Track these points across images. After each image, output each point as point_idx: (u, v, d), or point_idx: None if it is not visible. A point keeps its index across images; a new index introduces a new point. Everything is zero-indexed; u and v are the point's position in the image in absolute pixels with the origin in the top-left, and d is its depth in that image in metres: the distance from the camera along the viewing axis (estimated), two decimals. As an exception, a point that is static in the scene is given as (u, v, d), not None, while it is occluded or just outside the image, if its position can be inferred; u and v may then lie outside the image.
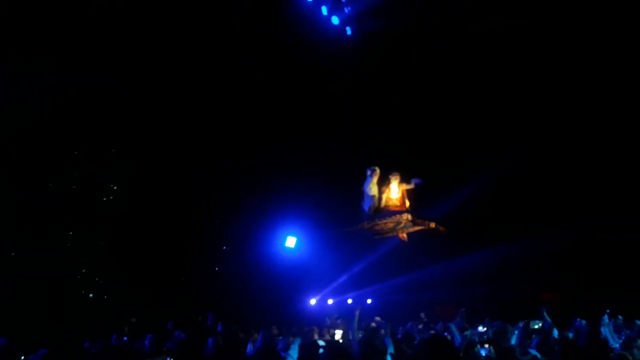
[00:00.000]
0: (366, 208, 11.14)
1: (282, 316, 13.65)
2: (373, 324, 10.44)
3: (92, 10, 10.27)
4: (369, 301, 18.31)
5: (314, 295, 16.72)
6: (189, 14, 11.05)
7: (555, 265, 16.67)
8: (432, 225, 11.30)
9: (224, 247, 16.14)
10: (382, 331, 9.38)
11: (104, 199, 13.44)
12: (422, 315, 12.99)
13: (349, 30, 12.74)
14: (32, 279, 11.01)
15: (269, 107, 13.15)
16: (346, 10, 12.32)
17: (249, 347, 7.52)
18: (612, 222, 14.91)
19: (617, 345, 6.57)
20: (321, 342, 7.01)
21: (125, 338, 8.84)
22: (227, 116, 12.78)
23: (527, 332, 8.60)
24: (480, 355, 6.95)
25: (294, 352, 6.52)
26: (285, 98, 13.11)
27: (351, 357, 5.18)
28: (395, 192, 11.17)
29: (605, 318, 8.39)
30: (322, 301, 17.09)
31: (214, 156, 13.26)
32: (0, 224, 10.61)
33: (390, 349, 6.34)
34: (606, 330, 7.99)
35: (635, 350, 5.98)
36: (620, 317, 9.62)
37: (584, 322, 10.09)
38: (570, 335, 8.37)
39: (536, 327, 10.00)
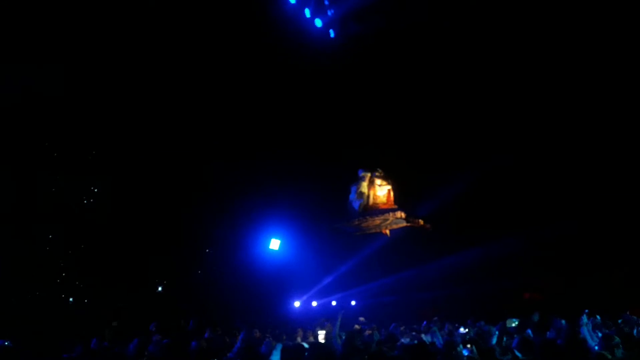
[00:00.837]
0: (356, 207, 11.38)
1: (266, 319, 13.60)
2: (357, 326, 10.48)
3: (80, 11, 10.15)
4: (352, 303, 18.36)
5: (298, 298, 16.70)
6: (171, 15, 10.96)
7: (537, 265, 16.88)
8: (421, 222, 11.52)
9: (207, 250, 16.03)
10: (367, 332, 9.43)
11: (85, 201, 13.26)
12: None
13: (332, 33, 12.77)
14: (11, 282, 10.82)
15: (251, 109, 13.11)
16: (329, 12, 12.35)
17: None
18: (593, 223, 15.16)
19: (596, 346, 6.68)
20: (305, 345, 7.00)
21: (105, 343, 8.71)
22: (208, 119, 12.71)
23: (504, 332, 8.72)
24: (462, 355, 7.02)
25: (275, 357, 6.50)
26: (267, 100, 13.08)
27: (333, 357, 5.21)
28: (380, 190, 11.37)
29: (584, 318, 8.53)
30: (307, 303, 17.08)
31: (196, 159, 13.17)
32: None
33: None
34: (585, 330, 8.12)
35: (615, 349, 6.09)
36: (598, 317, 9.77)
37: (563, 321, 10.26)
38: (550, 335, 8.50)
39: (513, 325, 10.14)
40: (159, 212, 13.35)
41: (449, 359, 6.58)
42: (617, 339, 6.53)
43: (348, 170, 12.68)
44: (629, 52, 12.49)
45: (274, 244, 14.77)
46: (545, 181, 15.70)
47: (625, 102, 13.56)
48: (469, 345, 7.70)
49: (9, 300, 10.62)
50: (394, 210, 11.22)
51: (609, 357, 5.23)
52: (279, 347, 6.75)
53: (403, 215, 11.20)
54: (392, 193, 11.54)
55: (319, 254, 16.18)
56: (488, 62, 13.68)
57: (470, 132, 15.11)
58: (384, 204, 11.42)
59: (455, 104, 14.66)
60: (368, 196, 11.41)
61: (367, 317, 13.32)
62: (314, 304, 17.39)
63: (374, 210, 11.35)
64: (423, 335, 8.87)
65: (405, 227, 11.75)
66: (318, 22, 12.40)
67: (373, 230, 11.94)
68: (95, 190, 13.32)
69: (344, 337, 6.78)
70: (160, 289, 15.17)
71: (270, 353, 6.77)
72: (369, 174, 11.58)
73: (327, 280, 17.16)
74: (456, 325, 11.32)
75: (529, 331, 8.72)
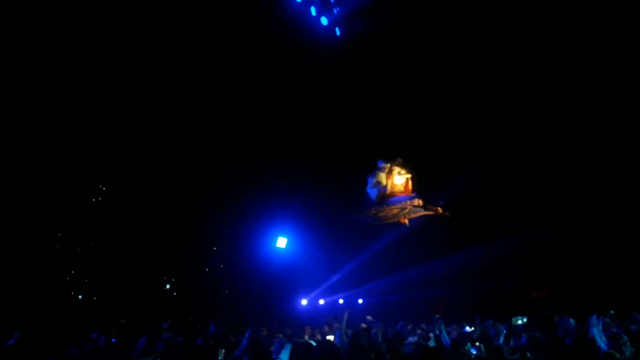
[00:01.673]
0: (373, 197, 11.34)
1: (274, 317, 13.63)
2: (364, 324, 10.47)
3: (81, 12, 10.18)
4: (360, 301, 18.35)
5: (305, 296, 16.72)
6: (175, 14, 10.98)
7: (544, 263, 16.79)
8: (440, 210, 11.39)
9: (214, 249, 16.08)
10: (374, 330, 9.42)
11: (93, 199, 13.35)
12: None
13: (338, 31, 12.74)
14: (21, 281, 10.91)
15: (258, 107, 13.12)
16: (335, 11, 12.32)
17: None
18: (598, 221, 15.06)
19: (604, 346, 6.63)
20: (313, 343, 7.01)
21: (113, 340, 8.78)
22: (216, 117, 12.73)
23: (512, 331, 8.68)
24: (470, 353, 7.01)
25: (284, 356, 6.51)
26: (274, 98, 13.08)
27: (339, 355, 5.22)
28: (398, 178, 11.31)
29: (594, 318, 8.48)
30: (314, 301, 17.10)
31: (204, 158, 13.21)
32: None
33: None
34: (594, 330, 8.07)
35: (624, 348, 6.05)
36: (607, 317, 9.69)
37: (572, 320, 10.20)
38: (559, 334, 8.44)
39: (519, 322, 10.09)
40: (166, 211, 13.41)
41: (457, 358, 6.58)
42: (625, 338, 6.49)
43: (355, 167, 12.67)
44: (628, 51, 12.40)
45: (281, 242, 14.78)
46: (550, 178, 15.60)
47: (625, 102, 13.46)
48: (477, 344, 7.69)
49: (19, 297, 10.71)
50: (411, 198, 11.11)
51: (618, 356, 5.19)
52: (289, 346, 6.77)
53: (421, 202, 11.08)
54: (410, 182, 11.44)
55: (326, 252, 16.17)
56: (488, 61, 13.59)
57: (474, 131, 15.01)
58: (402, 192, 11.33)
59: (457, 104, 14.58)
60: (385, 185, 11.30)
61: (374, 316, 13.31)
62: (321, 302, 17.40)
63: (392, 198, 11.24)
64: (430, 334, 8.85)
65: (422, 217, 11.61)
66: (324, 20, 12.38)
67: (391, 220, 11.83)
68: (104, 189, 13.41)
69: (349, 335, 6.79)
70: (168, 287, 15.25)
71: (279, 351, 6.79)
72: (388, 165, 11.47)
73: (334, 278, 17.17)
74: (463, 323, 11.30)
75: (537, 332, 8.67)
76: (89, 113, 11.54)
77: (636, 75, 12.59)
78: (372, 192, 11.39)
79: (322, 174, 14.66)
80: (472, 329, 10.36)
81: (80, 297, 13.21)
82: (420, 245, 16.16)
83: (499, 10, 12.30)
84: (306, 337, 9.57)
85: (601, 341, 7.22)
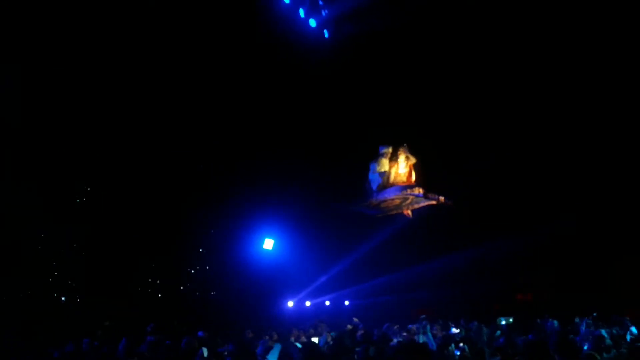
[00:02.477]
0: (374, 186, 11.10)
1: (259, 319, 13.58)
2: (349, 326, 10.48)
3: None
4: (346, 303, 18.36)
5: (291, 298, 16.69)
6: (167, 16, 10.92)
7: (529, 266, 16.93)
8: (442, 199, 11.18)
9: (200, 250, 16.00)
10: (360, 332, 9.43)
11: (77, 200, 13.21)
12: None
13: (326, 33, 12.76)
14: (2, 282, 10.76)
15: (246, 108, 13.09)
16: (323, 13, 12.33)
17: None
18: (585, 223, 15.20)
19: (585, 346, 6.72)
20: (297, 345, 7.00)
21: (96, 342, 8.67)
22: (202, 119, 12.68)
23: (494, 332, 8.76)
24: (454, 355, 7.05)
25: (273, 357, 6.49)
26: (262, 100, 13.06)
27: (323, 356, 5.24)
28: (402, 166, 11.14)
29: (583, 324, 8.62)
30: (300, 303, 17.07)
31: (189, 159, 13.14)
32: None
33: None
34: (582, 329, 8.19)
35: (604, 352, 6.12)
36: (589, 320, 9.81)
37: (555, 322, 10.31)
38: (540, 335, 8.52)
39: (502, 323, 10.15)
40: (152, 212, 13.31)
41: (441, 359, 6.61)
42: (609, 341, 6.58)
43: (346, 166, 12.60)
44: (628, 51, 12.50)
45: (268, 243, 14.75)
46: (538, 181, 15.71)
47: (625, 102, 13.57)
48: (461, 344, 7.74)
49: (0, 299, 10.57)
50: (412, 187, 10.89)
51: (598, 358, 5.25)
52: (277, 347, 6.75)
53: (421, 190, 10.83)
54: (413, 172, 11.19)
55: (313, 254, 16.15)
56: (489, 61, 13.62)
57: (463, 134, 15.08)
58: (404, 182, 11.04)
59: (445, 108, 14.64)
60: (389, 174, 11.06)
61: (360, 317, 13.32)
62: (308, 304, 17.38)
63: (392, 188, 10.97)
64: (415, 336, 8.88)
65: (423, 208, 11.41)
66: (312, 22, 12.39)
67: (394, 212, 11.58)
68: (88, 189, 13.27)
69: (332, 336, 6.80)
70: (152, 289, 15.13)
71: (266, 353, 6.76)
72: (390, 149, 11.16)
73: (321, 280, 17.15)
74: (449, 324, 11.34)
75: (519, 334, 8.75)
76: (72, 110, 11.42)
77: (636, 75, 12.68)
78: (374, 179, 11.09)
79: (312, 175, 14.65)
80: (458, 330, 10.41)
81: (63, 298, 13.06)
82: (407, 248, 16.20)
83: (499, 11, 12.30)
84: (292, 339, 9.54)
85: (585, 343, 7.31)
